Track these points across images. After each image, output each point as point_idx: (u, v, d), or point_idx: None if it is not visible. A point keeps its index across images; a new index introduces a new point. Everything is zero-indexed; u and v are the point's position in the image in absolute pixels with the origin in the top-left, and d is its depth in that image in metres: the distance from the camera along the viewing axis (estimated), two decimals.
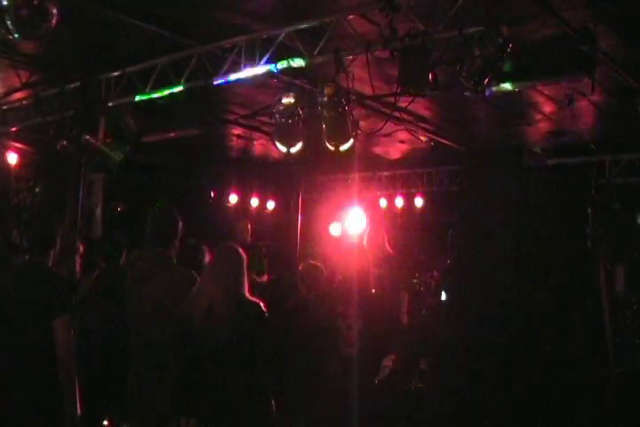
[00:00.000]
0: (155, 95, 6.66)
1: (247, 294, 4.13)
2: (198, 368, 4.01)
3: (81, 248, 5.18)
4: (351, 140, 5.90)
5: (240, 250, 4.26)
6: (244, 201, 11.84)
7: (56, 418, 3.93)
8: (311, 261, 5.24)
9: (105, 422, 5.16)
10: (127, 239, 5.54)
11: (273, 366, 4.29)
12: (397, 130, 8.35)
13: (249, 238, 7.92)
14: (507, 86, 5.86)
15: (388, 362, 5.17)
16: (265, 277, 7.70)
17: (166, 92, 6.53)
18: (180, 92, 6.44)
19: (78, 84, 7.06)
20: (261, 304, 4.18)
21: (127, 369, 4.37)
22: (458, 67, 4.92)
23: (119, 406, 4.73)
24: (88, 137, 7.14)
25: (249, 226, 8.01)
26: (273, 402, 4.26)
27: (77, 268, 5.15)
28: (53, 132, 7.69)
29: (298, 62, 5.63)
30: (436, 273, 9.11)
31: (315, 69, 5.86)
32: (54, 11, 4.34)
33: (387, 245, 7.02)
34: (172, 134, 8.84)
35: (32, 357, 3.95)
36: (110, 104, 7.03)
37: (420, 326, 6.28)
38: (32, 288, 4.03)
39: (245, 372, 4.02)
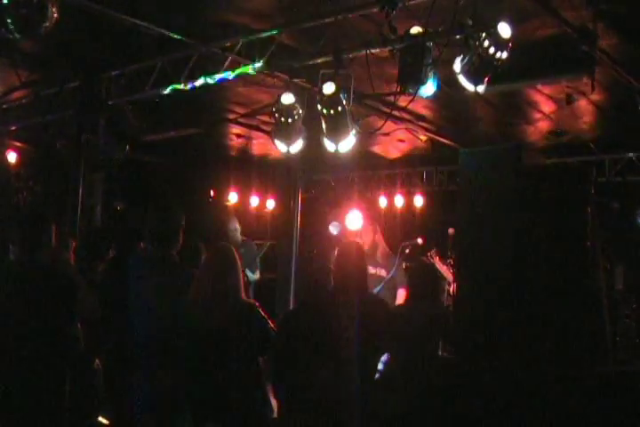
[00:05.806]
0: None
1: (242, 295, 4.15)
2: (196, 368, 4.01)
3: (73, 244, 5.24)
4: (351, 140, 5.90)
5: (234, 250, 4.28)
6: (243, 200, 11.84)
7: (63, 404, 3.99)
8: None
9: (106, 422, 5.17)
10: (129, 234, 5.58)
11: (271, 367, 4.29)
12: (397, 129, 8.35)
13: (239, 237, 7.66)
14: (506, 85, 5.87)
15: (386, 361, 5.16)
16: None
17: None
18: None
19: (78, 83, 7.06)
20: (256, 304, 4.19)
21: (127, 367, 4.37)
22: (457, 66, 4.92)
23: (119, 404, 4.73)
24: (88, 136, 7.13)
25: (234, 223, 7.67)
26: (272, 403, 4.26)
27: (71, 265, 5.18)
28: (53, 131, 7.70)
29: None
30: None
31: (314, 69, 5.85)
32: (54, 10, 4.34)
33: (385, 244, 7.02)
34: (171, 133, 8.83)
35: (39, 349, 3.99)
36: (110, 103, 7.02)
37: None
38: (33, 284, 4.06)
39: (244, 372, 4.02)
